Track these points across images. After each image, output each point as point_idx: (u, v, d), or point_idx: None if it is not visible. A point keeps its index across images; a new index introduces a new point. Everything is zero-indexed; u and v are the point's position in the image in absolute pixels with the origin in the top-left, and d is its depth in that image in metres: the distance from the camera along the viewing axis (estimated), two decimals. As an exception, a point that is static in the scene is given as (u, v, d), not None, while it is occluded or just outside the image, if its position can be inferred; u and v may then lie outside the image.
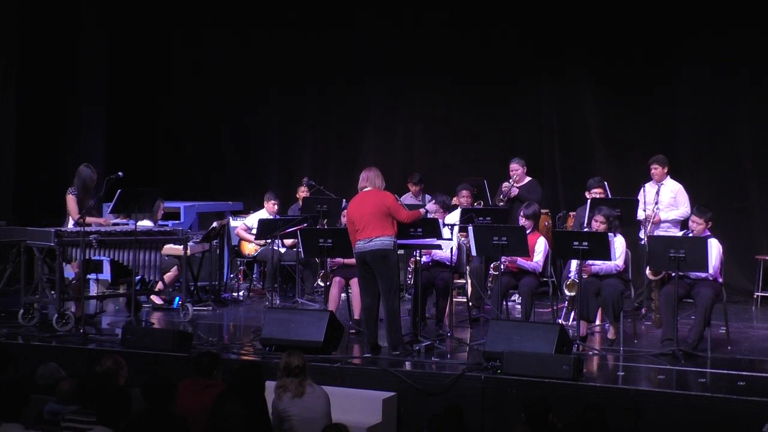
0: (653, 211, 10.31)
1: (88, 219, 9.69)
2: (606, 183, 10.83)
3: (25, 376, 7.13)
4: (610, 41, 12.22)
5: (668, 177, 10.65)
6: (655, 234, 10.06)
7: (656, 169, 10.58)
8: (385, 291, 8.46)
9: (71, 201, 9.82)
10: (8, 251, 11.78)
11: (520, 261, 9.32)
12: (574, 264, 9.00)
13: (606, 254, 8.57)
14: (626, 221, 10.06)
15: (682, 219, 10.54)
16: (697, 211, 8.83)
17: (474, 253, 9.30)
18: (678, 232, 10.19)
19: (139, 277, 10.21)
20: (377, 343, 8.58)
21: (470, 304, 10.07)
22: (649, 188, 10.56)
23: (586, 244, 8.47)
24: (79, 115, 13.75)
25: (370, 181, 8.60)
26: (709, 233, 8.77)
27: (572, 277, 9.02)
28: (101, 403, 5.70)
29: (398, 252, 8.70)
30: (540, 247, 9.41)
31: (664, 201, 10.48)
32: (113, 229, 9.94)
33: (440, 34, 13.11)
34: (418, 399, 7.68)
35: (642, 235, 10.34)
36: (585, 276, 8.80)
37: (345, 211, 10.07)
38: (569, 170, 12.53)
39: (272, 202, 11.94)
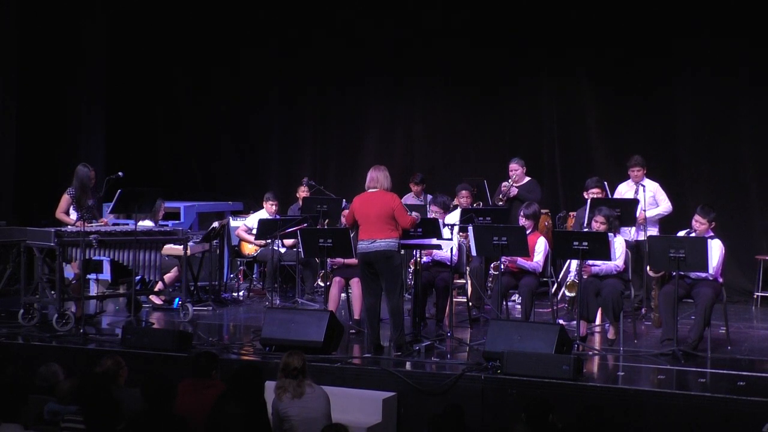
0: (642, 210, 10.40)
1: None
2: (606, 183, 10.85)
3: (25, 376, 7.13)
4: (611, 41, 12.22)
5: (644, 177, 10.71)
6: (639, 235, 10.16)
7: (639, 171, 10.66)
8: (389, 291, 8.47)
9: (63, 200, 9.91)
10: (8, 251, 11.80)
11: (520, 261, 9.32)
12: (573, 264, 9.00)
13: (606, 254, 8.58)
14: (626, 221, 10.07)
15: (667, 214, 10.65)
16: (701, 211, 8.82)
17: (474, 253, 9.30)
18: (656, 232, 10.30)
19: (139, 277, 10.21)
20: (380, 343, 8.59)
21: (470, 304, 10.07)
22: (627, 188, 10.63)
23: (586, 244, 8.48)
24: (79, 115, 13.75)
25: (377, 182, 8.55)
26: (712, 233, 8.77)
27: (572, 278, 9.02)
28: (89, 411, 5.72)
29: (401, 252, 8.70)
30: (540, 247, 9.41)
31: (646, 201, 10.52)
32: (113, 229, 9.95)
33: (440, 34, 13.10)
34: (418, 399, 7.68)
35: (629, 236, 10.34)
36: (585, 276, 8.80)
37: (345, 211, 10.08)
38: (569, 170, 12.53)
39: (270, 203, 11.92)
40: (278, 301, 11.07)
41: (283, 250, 11.57)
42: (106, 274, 11.37)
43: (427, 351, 8.62)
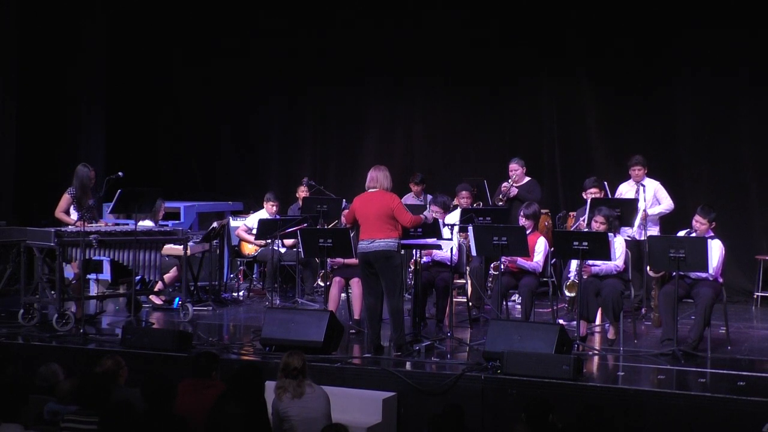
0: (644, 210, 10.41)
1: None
2: (606, 183, 10.85)
3: (25, 376, 7.13)
4: (610, 41, 12.22)
5: (645, 177, 10.73)
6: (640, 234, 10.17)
7: (640, 170, 10.67)
8: (389, 291, 8.48)
9: (63, 199, 9.92)
10: (8, 251, 11.80)
11: (520, 261, 9.32)
12: (574, 264, 9.00)
13: (606, 254, 8.57)
14: (626, 221, 10.07)
15: (669, 212, 10.68)
16: (701, 211, 8.81)
17: (474, 253, 9.31)
18: (657, 231, 10.33)
19: (139, 277, 10.21)
20: (380, 343, 8.59)
21: (470, 304, 10.07)
22: (628, 188, 10.64)
23: (586, 244, 8.48)
24: (79, 115, 13.75)
25: (377, 182, 8.56)
26: (712, 234, 8.76)
27: (572, 278, 9.02)
28: (103, 413, 5.72)
29: (401, 252, 8.71)
30: (540, 247, 9.41)
31: (647, 200, 10.54)
32: (113, 229, 9.95)
33: (440, 33, 13.10)
34: (418, 399, 7.68)
35: (630, 233, 10.35)
36: (585, 276, 8.80)
37: (345, 211, 10.07)
38: (569, 170, 12.52)
39: (271, 203, 11.93)
40: (278, 301, 11.07)
41: (283, 250, 11.57)
42: (106, 274, 11.37)
43: (427, 351, 8.62)
